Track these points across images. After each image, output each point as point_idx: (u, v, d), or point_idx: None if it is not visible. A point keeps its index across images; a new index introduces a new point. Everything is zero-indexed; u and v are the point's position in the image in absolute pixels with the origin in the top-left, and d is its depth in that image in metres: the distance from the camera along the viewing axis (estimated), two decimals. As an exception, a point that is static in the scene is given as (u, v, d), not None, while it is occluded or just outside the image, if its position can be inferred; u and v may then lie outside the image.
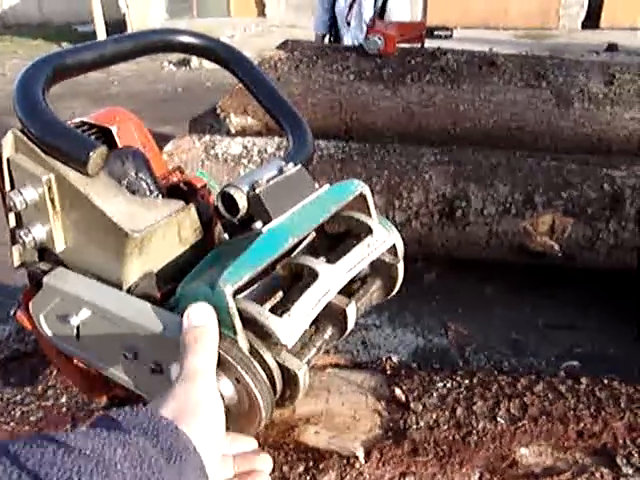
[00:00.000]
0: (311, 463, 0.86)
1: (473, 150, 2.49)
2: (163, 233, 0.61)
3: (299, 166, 0.67)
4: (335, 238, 0.72)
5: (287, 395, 0.59)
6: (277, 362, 0.56)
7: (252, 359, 0.53)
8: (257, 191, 0.61)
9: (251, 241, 0.58)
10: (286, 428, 0.91)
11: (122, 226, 0.58)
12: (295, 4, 11.31)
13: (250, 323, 0.55)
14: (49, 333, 0.69)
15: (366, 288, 0.73)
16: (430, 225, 2.42)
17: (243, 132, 2.76)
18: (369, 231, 0.69)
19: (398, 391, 0.97)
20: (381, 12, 3.03)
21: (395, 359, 1.12)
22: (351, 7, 3.66)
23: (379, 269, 0.74)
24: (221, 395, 0.54)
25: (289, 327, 0.56)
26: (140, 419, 0.44)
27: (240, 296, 0.58)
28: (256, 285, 0.64)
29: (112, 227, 0.58)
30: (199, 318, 0.53)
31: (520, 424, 0.90)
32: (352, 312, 0.66)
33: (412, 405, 0.95)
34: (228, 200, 0.62)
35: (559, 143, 2.60)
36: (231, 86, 2.84)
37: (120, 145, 0.74)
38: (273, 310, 0.57)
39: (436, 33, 2.89)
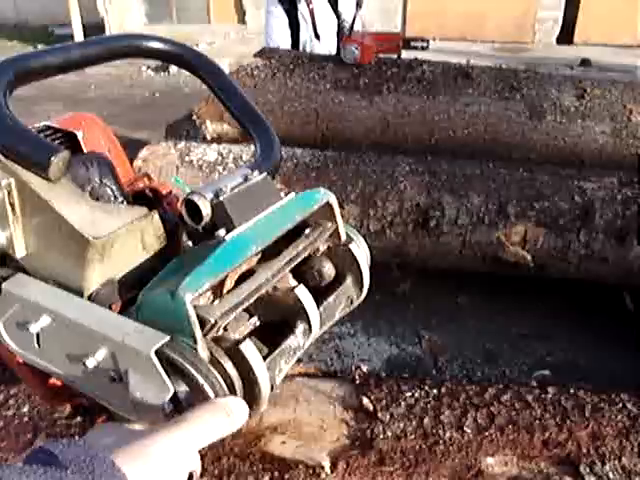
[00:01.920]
0: (276, 473, 0.85)
1: (448, 160, 2.51)
2: (125, 240, 0.61)
3: (264, 174, 0.67)
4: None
5: (250, 404, 0.58)
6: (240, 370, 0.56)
7: (212, 369, 0.53)
8: (221, 199, 0.61)
9: (213, 249, 0.57)
10: (252, 438, 0.91)
11: (83, 232, 0.57)
12: (275, 12, 11.33)
13: (225, 347, 0.56)
14: (9, 341, 0.67)
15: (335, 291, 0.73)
16: (404, 234, 2.43)
17: (219, 139, 2.75)
18: (357, 294, 0.72)
19: (366, 400, 0.97)
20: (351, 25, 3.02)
21: (365, 368, 1.12)
22: (314, 23, 3.54)
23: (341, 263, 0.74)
24: (180, 402, 0.53)
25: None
26: (77, 453, 0.43)
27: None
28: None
29: (73, 233, 0.57)
30: (235, 407, 0.53)
31: (487, 434, 0.91)
32: (305, 296, 0.66)
33: (380, 414, 0.95)
34: (192, 207, 0.62)
35: (532, 155, 2.64)
36: (209, 92, 2.82)
37: (85, 150, 0.73)
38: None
39: (413, 44, 2.92)
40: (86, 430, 0.93)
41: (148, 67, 8.72)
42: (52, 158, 0.57)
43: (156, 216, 0.64)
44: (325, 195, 0.70)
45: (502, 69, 2.81)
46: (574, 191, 2.38)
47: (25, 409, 0.99)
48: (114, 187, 0.67)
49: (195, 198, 0.61)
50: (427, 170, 2.46)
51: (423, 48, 2.91)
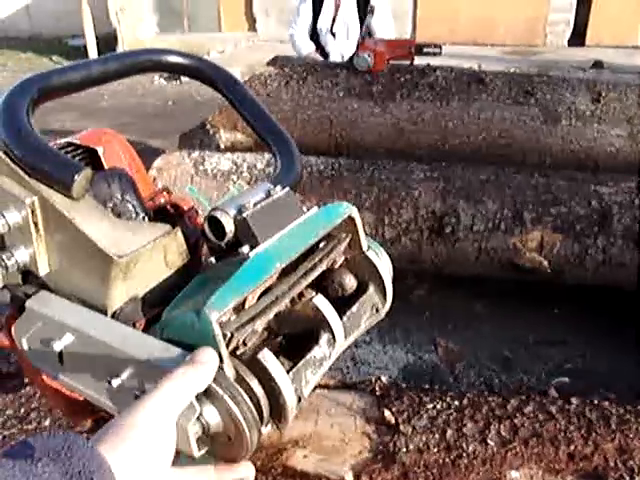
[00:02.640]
0: (299, 488, 0.84)
1: (462, 167, 2.50)
2: (149, 257, 0.61)
3: (287, 189, 0.67)
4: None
5: (275, 422, 0.58)
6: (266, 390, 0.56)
7: (238, 387, 0.52)
8: (244, 215, 0.60)
9: (238, 266, 0.57)
10: (274, 452, 0.90)
11: (107, 250, 0.57)
12: (285, 19, 11.38)
13: (245, 360, 0.55)
14: (32, 357, 0.67)
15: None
16: (419, 241, 2.42)
17: (233, 148, 2.76)
18: (381, 303, 0.71)
19: (387, 413, 0.96)
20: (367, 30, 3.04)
21: (384, 379, 1.11)
22: (334, 19, 3.65)
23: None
24: (206, 423, 0.53)
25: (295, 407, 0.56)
26: (55, 443, 0.43)
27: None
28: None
29: (97, 251, 0.57)
30: (202, 357, 0.52)
31: (511, 446, 0.89)
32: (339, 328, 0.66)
33: (402, 427, 0.94)
34: (215, 224, 0.62)
35: (547, 160, 2.62)
36: (221, 101, 2.84)
37: (106, 166, 0.74)
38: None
39: (425, 50, 2.91)
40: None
41: (160, 76, 8.78)
42: (76, 176, 0.57)
43: (179, 233, 0.64)
44: (348, 209, 0.70)
45: (515, 74, 2.80)
46: (591, 196, 2.35)
47: (47, 423, 0.99)
48: (135, 203, 0.67)
49: (218, 215, 0.61)
50: (442, 176, 2.45)
51: (435, 54, 2.90)
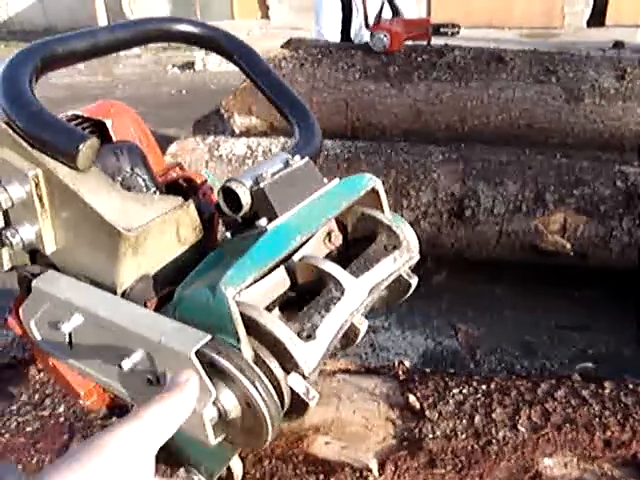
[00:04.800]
0: (322, 476, 0.81)
1: (482, 148, 2.44)
2: (160, 232, 0.57)
3: (306, 159, 0.63)
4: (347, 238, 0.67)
5: (294, 411, 0.54)
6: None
7: (257, 370, 0.49)
8: (261, 185, 0.56)
9: (255, 240, 0.53)
10: (294, 439, 0.87)
11: (115, 224, 0.53)
12: (298, 6, 11.27)
13: (260, 333, 0.51)
14: (40, 340, 0.64)
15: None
16: (439, 225, 2.37)
17: (247, 132, 2.72)
18: (395, 243, 0.64)
19: (412, 398, 0.92)
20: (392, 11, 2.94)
21: (407, 363, 1.07)
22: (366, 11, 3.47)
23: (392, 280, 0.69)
24: (222, 408, 0.49)
25: (313, 355, 0.51)
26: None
27: (251, 302, 0.53)
28: (263, 282, 0.59)
29: (104, 225, 0.54)
30: (182, 382, 0.47)
31: (543, 432, 0.85)
32: (364, 330, 0.62)
33: (427, 413, 0.90)
34: (230, 196, 0.58)
35: (570, 140, 2.54)
36: (236, 86, 2.80)
37: (115, 139, 0.70)
38: (290, 322, 0.52)
39: (443, 30, 2.84)
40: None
41: (174, 65, 8.75)
42: (80, 146, 0.53)
43: (192, 206, 0.60)
44: (371, 181, 0.66)
45: (536, 52, 2.72)
46: (616, 176, 2.28)
47: (61, 409, 0.97)
48: (146, 177, 0.63)
49: (233, 186, 0.57)
50: (461, 158, 2.39)
51: (453, 34, 2.83)
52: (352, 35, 3.60)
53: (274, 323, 0.49)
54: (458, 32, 2.85)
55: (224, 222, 0.61)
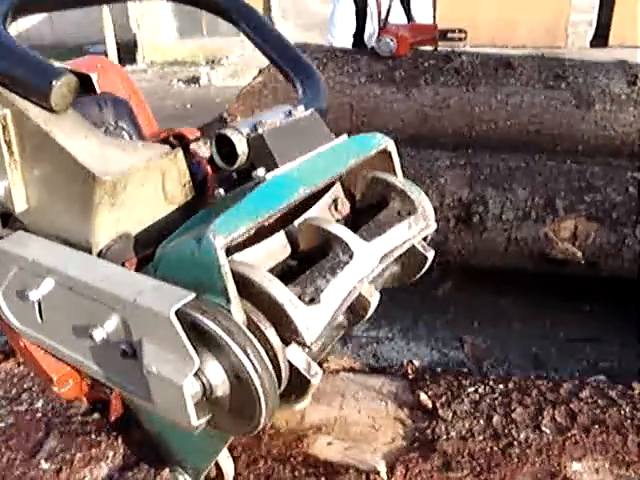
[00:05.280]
0: (323, 479, 0.72)
1: (490, 153, 2.37)
2: (142, 181, 0.49)
3: (312, 110, 0.56)
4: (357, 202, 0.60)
5: (293, 391, 0.46)
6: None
7: (250, 335, 0.41)
8: (260, 132, 0.49)
9: (251, 189, 0.46)
10: (293, 438, 0.78)
11: (89, 167, 0.46)
12: (303, 24, 11.33)
13: (254, 295, 0.43)
14: (9, 315, 0.56)
15: (388, 268, 0.61)
16: (446, 231, 2.29)
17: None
18: (410, 208, 0.57)
19: (424, 396, 0.84)
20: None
21: (417, 362, 0.99)
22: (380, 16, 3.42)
23: (406, 253, 0.62)
24: (207, 383, 0.41)
25: (316, 321, 0.43)
26: None
27: (242, 260, 0.46)
28: (260, 247, 0.52)
29: (78, 170, 0.46)
30: None
31: (569, 434, 0.77)
32: (374, 303, 0.54)
33: (440, 412, 0.82)
34: (225, 145, 0.50)
35: (580, 146, 2.48)
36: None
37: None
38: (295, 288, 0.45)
39: (450, 35, 2.79)
40: (102, 427, 0.82)
41: (179, 80, 8.76)
42: (54, 82, 0.46)
43: (180, 154, 0.53)
44: (383, 140, 0.59)
45: (545, 57, 2.67)
46: (628, 182, 2.21)
47: (39, 404, 0.89)
48: (131, 130, 0.56)
49: (228, 133, 0.49)
50: (469, 163, 2.32)
51: (460, 39, 2.78)
52: (366, 39, 3.55)
53: (271, 282, 0.42)
54: (465, 37, 2.81)
55: (218, 179, 0.54)
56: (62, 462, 0.78)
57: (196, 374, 0.41)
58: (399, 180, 0.59)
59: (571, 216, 2.21)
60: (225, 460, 0.65)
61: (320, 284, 0.45)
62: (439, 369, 0.98)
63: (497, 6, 10.22)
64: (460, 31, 2.82)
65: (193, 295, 0.41)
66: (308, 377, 0.43)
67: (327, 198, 0.58)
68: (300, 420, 0.81)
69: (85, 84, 0.64)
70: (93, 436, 0.81)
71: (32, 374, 0.95)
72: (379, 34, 2.69)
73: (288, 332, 0.43)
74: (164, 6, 11.78)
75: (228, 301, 0.41)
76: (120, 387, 0.49)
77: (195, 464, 0.59)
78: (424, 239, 0.61)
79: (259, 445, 0.70)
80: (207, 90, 8.12)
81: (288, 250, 0.53)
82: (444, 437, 0.77)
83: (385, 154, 0.58)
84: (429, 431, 0.79)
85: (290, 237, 0.53)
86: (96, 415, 0.84)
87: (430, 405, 0.83)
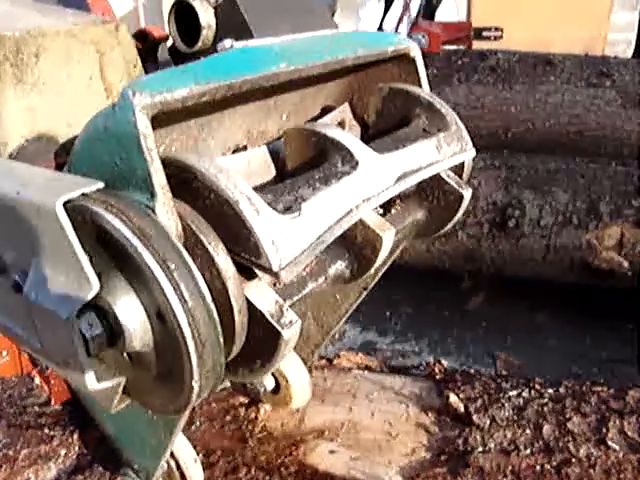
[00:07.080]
0: (322, 496, 0.56)
1: (527, 155, 2.21)
2: (63, 54, 0.35)
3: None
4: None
5: (256, 351, 0.31)
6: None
7: (179, 246, 0.26)
8: (231, -7, 0.35)
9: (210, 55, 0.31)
10: (288, 443, 0.62)
11: None
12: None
13: (199, 195, 0.28)
14: None
15: (409, 211, 0.46)
16: (479, 237, 2.14)
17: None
18: (440, 125, 0.42)
19: (454, 398, 0.68)
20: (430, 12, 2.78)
21: (446, 363, 0.83)
22: (400, 19, 3.39)
23: (434, 191, 0.47)
24: (121, 325, 0.27)
25: (291, 239, 0.29)
26: None
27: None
28: (234, 159, 0.37)
29: None
30: None
31: (644, 452, 0.60)
32: (387, 243, 0.39)
33: (475, 418, 0.65)
34: (186, 17, 0.36)
35: (625, 148, 2.30)
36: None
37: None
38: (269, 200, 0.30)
39: (485, 34, 2.66)
40: (59, 420, 0.69)
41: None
42: None
43: (124, 29, 0.39)
44: (404, 42, 0.44)
45: (588, 55, 2.50)
46: (681, 187, 2.03)
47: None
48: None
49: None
50: (504, 165, 2.17)
51: (496, 38, 2.64)
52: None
53: (223, 173, 0.27)
54: (502, 36, 2.67)
55: (175, 63, 0.40)
56: (3, 460, 0.64)
57: (98, 309, 0.26)
58: (425, 92, 0.44)
59: (617, 222, 2.04)
60: (192, 465, 0.50)
61: (304, 193, 0.30)
62: (472, 370, 0.81)
63: (530, 25, 10.07)
64: (496, 29, 2.68)
65: (99, 184, 0.26)
66: (277, 326, 0.28)
67: (330, 119, 0.43)
68: (298, 422, 0.66)
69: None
70: (47, 430, 0.67)
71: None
72: (410, 30, 2.57)
73: (247, 252, 0.28)
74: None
75: (152, 195, 0.26)
76: (15, 334, 0.35)
77: (144, 464, 0.46)
78: (459, 172, 0.46)
79: (243, 450, 0.54)
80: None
81: (272, 171, 0.39)
82: (479, 449, 0.61)
83: (407, 61, 0.43)
84: (460, 441, 0.62)
85: (274, 156, 0.38)
86: (57, 406, 0.70)
87: (462, 409, 0.67)
